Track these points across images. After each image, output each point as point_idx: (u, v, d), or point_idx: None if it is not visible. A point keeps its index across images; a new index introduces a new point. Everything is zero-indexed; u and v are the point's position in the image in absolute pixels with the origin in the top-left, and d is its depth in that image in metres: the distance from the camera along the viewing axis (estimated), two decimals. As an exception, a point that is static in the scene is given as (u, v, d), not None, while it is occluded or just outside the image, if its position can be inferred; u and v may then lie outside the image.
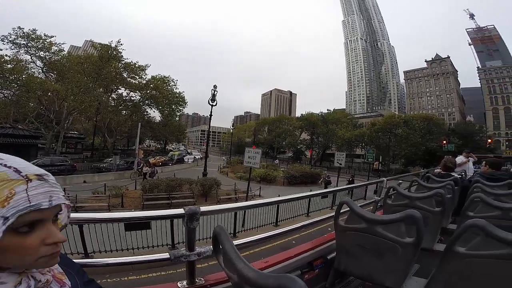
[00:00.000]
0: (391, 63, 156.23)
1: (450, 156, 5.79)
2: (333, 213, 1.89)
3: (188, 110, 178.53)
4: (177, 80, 42.20)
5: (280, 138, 67.01)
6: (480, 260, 1.31)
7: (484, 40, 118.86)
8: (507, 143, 76.40)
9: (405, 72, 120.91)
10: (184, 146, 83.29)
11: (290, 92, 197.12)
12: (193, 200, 15.35)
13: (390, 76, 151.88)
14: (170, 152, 48.79)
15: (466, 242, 1.38)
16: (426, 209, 2.39)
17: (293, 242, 3.22)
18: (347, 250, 1.77)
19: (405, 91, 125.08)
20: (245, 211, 8.77)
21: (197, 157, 51.22)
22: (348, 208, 1.73)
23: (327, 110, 74.56)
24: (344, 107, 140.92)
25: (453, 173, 4.30)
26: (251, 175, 14.38)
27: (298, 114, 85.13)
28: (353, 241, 1.69)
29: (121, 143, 51.02)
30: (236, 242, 1.58)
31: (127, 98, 40.69)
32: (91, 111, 31.06)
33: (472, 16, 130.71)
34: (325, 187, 21.85)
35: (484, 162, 4.30)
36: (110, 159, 29.92)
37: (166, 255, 1.30)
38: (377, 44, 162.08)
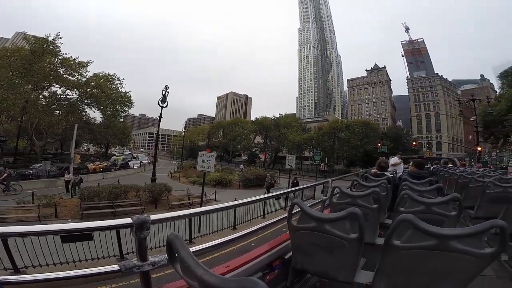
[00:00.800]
0: (337, 71, 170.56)
1: (384, 157, 6.65)
2: (287, 214, 1.94)
3: (135, 111, 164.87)
4: (123, 79, 39.01)
5: (235, 141, 67.05)
6: (413, 252, 1.46)
7: (414, 52, 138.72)
8: (427, 145, 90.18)
9: (349, 80, 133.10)
10: (130, 150, 77.05)
11: (246, 96, 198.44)
12: (141, 208, 14.33)
13: (336, 83, 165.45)
14: (113, 157, 44.73)
15: (400, 235, 1.51)
16: (366, 206, 2.57)
17: (252, 244, 3.27)
18: (302, 249, 1.83)
19: (347, 98, 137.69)
20: (200, 217, 8.55)
21: (144, 161, 47.70)
22: (299, 209, 1.80)
23: (280, 114, 77.08)
24: (295, 112, 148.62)
25: (386, 173, 4.93)
26: (205, 179, 14.08)
27: (253, 118, 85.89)
28: (306, 240, 1.76)
29: (53, 147, 44.58)
30: (193, 248, 1.53)
31: (62, 96, 36.04)
32: (15, 109, 26.77)
33: (407, 29, 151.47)
34: (268, 190, 22.31)
35: (411, 162, 4.99)
36: (39, 165, 26.05)
37: (115, 267, 1.20)
38: (326, 53, 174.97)
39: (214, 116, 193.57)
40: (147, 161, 48.68)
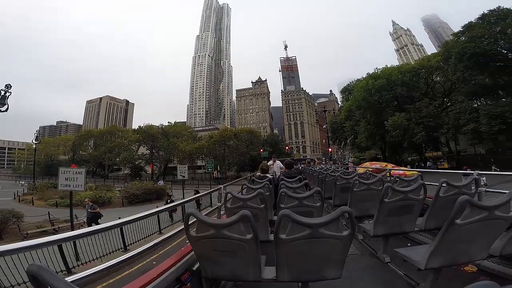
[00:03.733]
0: (228, 81, 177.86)
1: (265, 161, 7.65)
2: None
3: None
4: None
5: (112, 153, 57.81)
6: (297, 242, 1.62)
7: (288, 68, 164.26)
8: (297, 148, 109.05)
9: (237, 91, 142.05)
10: None
11: (127, 101, 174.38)
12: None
13: (226, 93, 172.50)
14: None
15: (285, 229, 1.64)
16: (255, 207, 2.77)
17: (154, 263, 3.00)
18: (207, 257, 1.83)
19: (236, 107, 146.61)
20: (74, 242, 6.87)
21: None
22: (196, 219, 1.78)
23: (169, 122, 72.49)
24: (185, 120, 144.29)
25: (268, 175, 5.69)
26: (73, 200, 11.44)
27: (135, 126, 76.33)
28: (209, 248, 1.76)
29: None
30: (73, 277, 1.35)
31: None
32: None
33: (286, 47, 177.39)
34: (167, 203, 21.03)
35: (283, 164, 5.99)
36: None
37: None
38: (220, 63, 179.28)
39: (81, 123, 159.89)
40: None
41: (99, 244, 7.72)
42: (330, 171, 7.14)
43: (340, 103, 66.56)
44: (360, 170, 10.15)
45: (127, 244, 8.91)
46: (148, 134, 57.91)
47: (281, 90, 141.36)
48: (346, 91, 52.97)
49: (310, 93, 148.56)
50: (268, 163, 8.32)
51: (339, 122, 50.32)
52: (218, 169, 54.37)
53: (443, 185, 2.89)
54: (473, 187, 2.94)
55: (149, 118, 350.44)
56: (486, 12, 29.95)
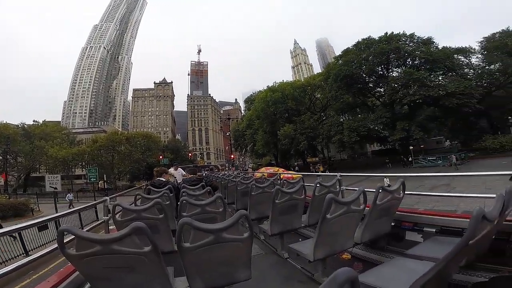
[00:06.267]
0: (125, 79, 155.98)
1: (163, 167, 7.25)
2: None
3: None
4: None
5: None
6: (202, 249, 1.64)
7: (198, 73, 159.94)
8: (200, 155, 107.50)
9: (134, 90, 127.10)
10: None
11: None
12: None
13: (120, 91, 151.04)
14: None
15: (188, 237, 1.62)
16: (153, 218, 2.62)
17: None
18: (99, 276, 1.63)
19: (130, 108, 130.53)
20: None
21: None
22: (73, 236, 1.57)
23: (34, 121, 56.18)
24: (60, 119, 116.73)
25: (162, 178, 5.39)
26: None
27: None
28: (98, 266, 1.57)
29: None
30: None
31: None
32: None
33: (199, 51, 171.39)
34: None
35: (186, 171, 5.86)
36: None
37: None
38: (118, 58, 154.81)
39: None
40: None
41: None
42: (231, 177, 7.41)
43: (243, 112, 70.67)
44: (257, 175, 10.99)
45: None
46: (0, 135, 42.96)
47: (188, 94, 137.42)
48: (249, 101, 56.98)
49: (217, 100, 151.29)
50: (169, 170, 7.94)
51: (241, 130, 53.33)
52: (105, 179, 46.64)
53: (317, 185, 3.48)
54: (337, 187, 3.73)
55: (7, 115, 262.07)
56: (360, 40, 38.15)
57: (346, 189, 3.90)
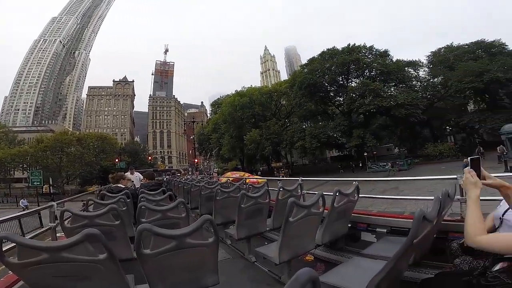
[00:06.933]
0: (80, 75, 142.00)
1: (121, 173, 6.79)
2: None
3: None
4: None
5: None
6: (164, 255, 1.58)
7: (163, 73, 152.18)
8: (161, 159, 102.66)
9: (90, 88, 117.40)
10: None
11: None
12: None
13: (73, 88, 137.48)
14: None
15: (148, 243, 1.59)
16: (108, 224, 2.49)
17: None
18: (47, 286, 1.51)
19: (84, 106, 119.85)
20: None
21: None
22: (14, 244, 1.44)
23: None
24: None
25: (121, 185, 5.09)
26: None
27: None
28: (46, 275, 1.46)
29: None
30: None
31: None
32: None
33: (166, 51, 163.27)
34: None
35: (143, 176, 5.55)
36: None
37: None
38: (74, 53, 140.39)
39: None
40: None
41: None
42: (195, 181, 7.24)
43: (209, 115, 69.64)
44: (223, 179, 10.93)
45: None
46: None
47: (150, 94, 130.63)
48: (216, 104, 56.44)
49: (182, 102, 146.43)
50: (126, 175, 7.47)
51: (206, 133, 52.37)
52: (51, 183, 41.94)
53: (280, 190, 3.56)
54: (299, 191, 3.86)
55: None
56: (325, 50, 39.95)
57: (307, 192, 4.05)
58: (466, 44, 37.25)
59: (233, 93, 49.76)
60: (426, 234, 1.53)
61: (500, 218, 1.45)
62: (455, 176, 2.27)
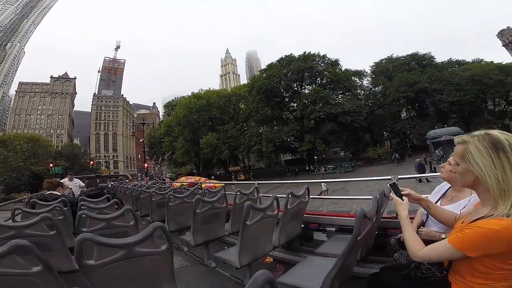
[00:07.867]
0: (9, 70, 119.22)
1: (57, 179, 6.04)
2: None
3: None
4: None
5: None
6: (111, 266, 1.46)
7: (111, 70, 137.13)
8: (105, 163, 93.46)
9: (21, 83, 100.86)
10: None
11: None
12: None
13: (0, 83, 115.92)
14: None
15: (91, 254, 1.46)
16: (41, 235, 2.29)
17: None
18: None
19: (11, 104, 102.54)
20: None
21: None
22: None
23: None
24: None
25: (57, 192, 4.54)
26: None
27: None
28: None
29: None
30: None
31: None
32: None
33: (118, 47, 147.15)
34: None
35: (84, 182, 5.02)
36: None
37: None
38: (5, 45, 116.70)
39: None
40: None
41: None
42: (144, 187, 6.84)
43: (161, 117, 65.90)
44: (177, 184, 10.51)
45: None
46: None
47: (94, 93, 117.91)
48: (170, 106, 53.90)
49: (131, 103, 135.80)
50: (63, 181, 6.70)
51: (158, 136, 49.54)
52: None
53: (237, 193, 3.59)
54: (255, 194, 3.93)
55: None
56: (283, 56, 41.29)
57: (263, 195, 4.14)
58: (403, 56, 42.46)
59: (189, 95, 48.29)
60: (368, 231, 1.68)
61: (427, 214, 1.72)
62: (389, 177, 2.53)
